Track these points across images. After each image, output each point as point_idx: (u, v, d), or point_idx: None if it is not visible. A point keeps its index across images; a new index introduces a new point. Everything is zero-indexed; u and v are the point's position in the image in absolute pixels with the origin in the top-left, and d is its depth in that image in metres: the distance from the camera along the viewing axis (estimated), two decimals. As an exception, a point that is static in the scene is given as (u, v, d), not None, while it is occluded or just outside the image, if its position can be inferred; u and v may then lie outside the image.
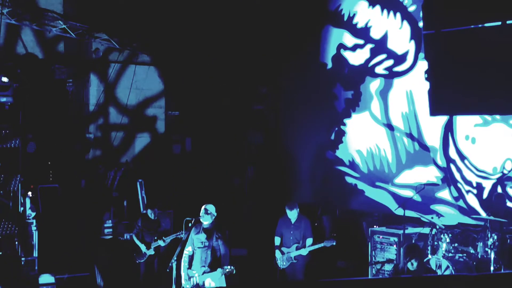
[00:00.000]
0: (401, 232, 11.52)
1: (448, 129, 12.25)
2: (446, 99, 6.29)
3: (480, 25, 6.10)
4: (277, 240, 11.44)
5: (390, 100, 13.32)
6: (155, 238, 11.69)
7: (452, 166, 12.28)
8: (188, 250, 9.84)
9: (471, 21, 6.00)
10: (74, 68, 15.60)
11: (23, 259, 12.06)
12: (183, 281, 9.80)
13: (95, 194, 14.66)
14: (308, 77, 14.79)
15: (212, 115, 15.85)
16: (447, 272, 10.36)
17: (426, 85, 9.73)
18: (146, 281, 11.86)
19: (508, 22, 5.89)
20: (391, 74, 13.23)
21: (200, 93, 15.83)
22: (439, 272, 10.39)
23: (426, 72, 6.27)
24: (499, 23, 5.89)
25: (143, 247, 11.74)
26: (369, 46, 13.63)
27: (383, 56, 13.35)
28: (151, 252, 11.71)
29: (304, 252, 11.18)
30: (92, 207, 14.28)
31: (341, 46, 14.18)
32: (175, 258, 9.69)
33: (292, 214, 11.32)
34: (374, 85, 13.59)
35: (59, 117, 15.13)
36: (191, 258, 9.83)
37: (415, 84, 12.57)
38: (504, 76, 6.04)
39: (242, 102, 15.72)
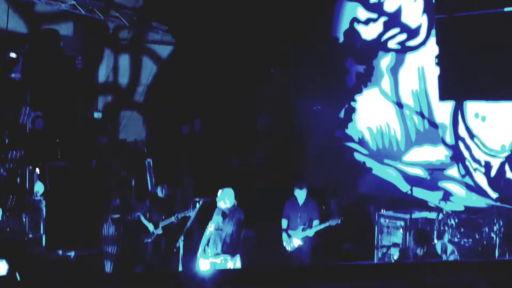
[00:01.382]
0: (407, 216, 11.55)
1: (458, 106, 12.26)
2: (456, 85, 6.27)
3: (493, 10, 6.07)
4: (284, 223, 11.46)
5: (401, 77, 13.34)
6: (163, 216, 11.71)
7: (461, 144, 12.33)
8: (210, 229, 9.91)
9: (484, 5, 5.96)
10: (84, 45, 15.59)
11: (30, 235, 12.13)
12: (198, 256, 9.89)
13: (104, 173, 14.71)
14: (320, 53, 14.72)
15: (222, 96, 15.84)
16: (452, 257, 10.39)
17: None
18: (153, 261, 11.91)
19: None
20: (403, 49, 13.23)
21: (210, 74, 15.80)
22: (444, 257, 10.42)
23: (436, 57, 6.24)
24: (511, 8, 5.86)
25: (150, 226, 11.78)
26: (383, 19, 13.62)
27: (397, 30, 13.34)
28: (159, 231, 11.74)
29: (310, 233, 11.20)
30: (101, 186, 14.33)
31: (355, 19, 14.16)
32: (182, 238, 9.76)
33: (301, 194, 11.32)
34: (385, 62, 13.61)
35: (68, 94, 15.14)
36: (211, 236, 9.91)
37: (427, 61, 12.56)
38: (514, 63, 6.01)
39: (253, 82, 15.69)
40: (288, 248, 11.34)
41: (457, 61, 6.18)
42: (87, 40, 15.60)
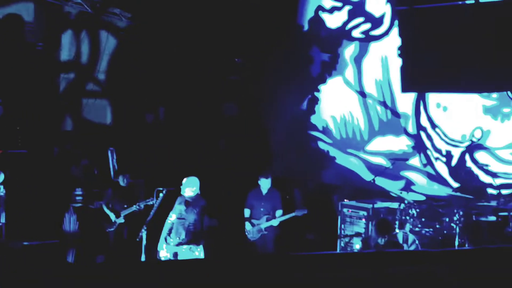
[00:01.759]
0: (370, 206, 11.64)
1: (420, 97, 12.44)
2: (418, 77, 6.32)
3: (453, 3, 6.13)
4: (247, 212, 11.48)
5: (365, 67, 13.43)
6: (125, 206, 11.64)
7: (423, 134, 12.49)
8: (172, 218, 9.86)
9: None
10: (45, 30, 15.35)
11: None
12: (159, 245, 9.84)
13: (66, 162, 14.55)
14: (284, 41, 14.71)
15: (187, 85, 15.74)
16: (413, 246, 10.52)
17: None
18: (116, 250, 11.84)
19: (480, 0, 5.91)
20: (367, 38, 13.31)
21: (175, 63, 15.69)
22: (405, 246, 10.54)
23: (398, 48, 6.29)
24: (473, 1, 5.92)
25: (112, 216, 11.70)
26: (347, 8, 13.67)
27: (361, 19, 13.41)
28: (121, 220, 11.67)
29: (275, 222, 11.23)
30: (63, 174, 14.18)
31: (320, 8, 14.20)
32: (146, 227, 9.71)
33: (266, 183, 11.33)
34: (349, 51, 13.69)
35: (29, 81, 14.91)
36: (172, 225, 9.85)
37: (390, 51, 12.67)
38: (475, 55, 6.08)
39: (217, 72, 15.62)
40: (252, 237, 11.36)
41: (418, 53, 6.23)
42: (48, 26, 15.35)
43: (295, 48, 14.59)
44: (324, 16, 14.13)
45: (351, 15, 13.62)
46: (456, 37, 6.03)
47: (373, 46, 13.28)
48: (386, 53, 12.96)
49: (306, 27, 14.50)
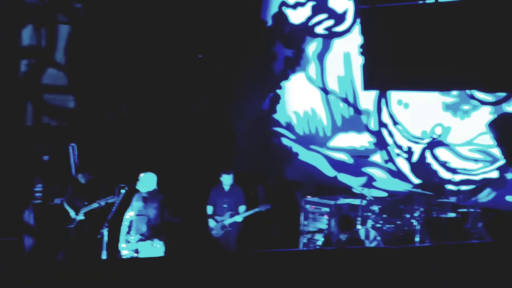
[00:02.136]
0: (333, 202, 11.71)
1: (382, 94, 12.58)
2: (379, 75, 6.37)
3: (414, 2, 6.19)
4: (210, 209, 11.47)
5: (327, 63, 13.49)
6: (86, 203, 11.55)
7: (384, 130, 12.60)
8: (129, 215, 9.81)
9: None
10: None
11: None
12: (119, 244, 9.78)
13: (25, 158, 14.35)
14: (248, 38, 14.69)
15: (149, 81, 15.63)
16: (375, 243, 10.61)
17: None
18: (76, 247, 11.73)
19: (440, 0, 5.98)
20: (330, 35, 13.37)
21: (138, 59, 15.56)
22: (367, 243, 10.62)
23: (360, 46, 6.32)
24: (433, 0, 5.98)
25: (72, 213, 11.59)
26: (311, 3, 13.71)
27: (324, 15, 13.46)
28: (80, 217, 11.57)
29: (239, 218, 11.24)
30: (22, 170, 13.98)
31: (283, 3, 14.22)
32: (107, 224, 9.64)
33: (228, 179, 11.33)
34: (312, 48, 13.74)
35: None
36: (131, 222, 9.80)
37: (353, 47, 12.75)
38: (437, 54, 6.14)
39: (182, 68, 15.53)
40: (215, 234, 11.35)
41: (380, 51, 6.27)
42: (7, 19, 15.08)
43: (259, 44, 14.59)
44: (288, 11, 14.16)
45: (315, 11, 13.68)
46: (417, 36, 6.09)
47: (336, 42, 13.35)
48: (348, 50, 13.05)
49: (270, 22, 14.50)
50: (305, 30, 13.81)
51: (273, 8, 14.43)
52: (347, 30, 13.11)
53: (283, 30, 14.26)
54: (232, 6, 14.62)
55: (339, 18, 13.21)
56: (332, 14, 13.34)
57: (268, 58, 14.43)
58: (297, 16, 14.00)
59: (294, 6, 14.04)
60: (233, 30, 14.72)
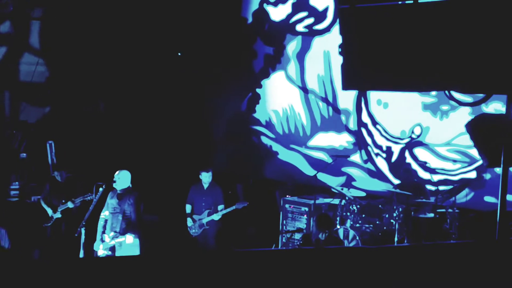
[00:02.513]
0: (312, 202, 11.72)
1: (362, 93, 12.60)
2: (359, 74, 6.36)
3: (393, 3, 6.19)
4: (188, 208, 11.44)
5: (307, 63, 13.50)
6: (63, 201, 11.46)
7: (364, 130, 12.64)
8: (104, 214, 9.79)
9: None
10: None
11: None
12: (95, 244, 9.72)
13: (2, 155, 14.23)
14: (228, 35, 14.64)
15: (128, 78, 15.54)
16: (354, 242, 10.63)
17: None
18: (53, 246, 11.64)
19: (419, 1, 5.99)
20: (311, 32, 13.38)
21: (116, 57, 15.46)
22: (346, 242, 10.64)
23: (340, 46, 6.32)
24: (411, 1, 5.99)
25: (49, 211, 11.50)
26: (291, 1, 13.70)
27: (304, 13, 13.46)
28: (58, 215, 11.47)
29: (216, 217, 11.21)
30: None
31: (264, 0, 14.19)
32: (84, 223, 9.59)
33: (207, 177, 11.30)
34: (291, 47, 13.73)
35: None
36: (106, 221, 9.77)
37: (333, 46, 12.75)
38: (416, 54, 6.16)
39: (158, 66, 15.45)
40: (193, 233, 11.32)
41: (360, 51, 6.27)
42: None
43: (239, 41, 14.55)
44: (269, 8, 14.13)
45: (295, 8, 13.67)
46: (396, 36, 6.10)
47: (316, 41, 13.36)
48: (328, 48, 13.07)
49: (250, 19, 14.46)
50: (286, 28, 13.80)
51: (254, 5, 14.40)
52: (328, 28, 13.11)
53: (263, 27, 14.24)
54: (212, 4, 14.57)
55: (319, 15, 13.22)
56: (312, 11, 13.34)
57: (249, 56, 14.40)
58: (278, 13, 13.98)
59: (275, 3, 14.03)
60: (213, 28, 14.67)
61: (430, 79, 6.17)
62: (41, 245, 11.78)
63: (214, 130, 15.16)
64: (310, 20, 13.40)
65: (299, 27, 13.60)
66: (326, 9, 13.10)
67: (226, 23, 14.56)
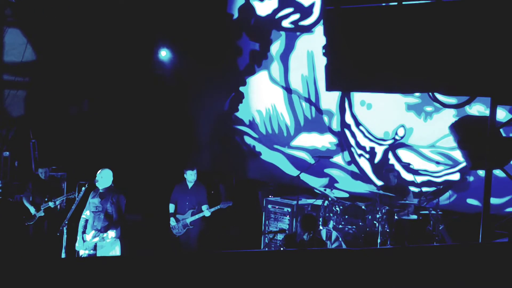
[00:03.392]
0: (294, 203, 11.71)
1: (345, 94, 12.61)
2: (343, 76, 6.36)
3: (378, 4, 6.20)
4: (172, 207, 11.39)
5: (291, 63, 13.49)
6: (45, 199, 11.41)
7: (347, 131, 12.66)
8: (85, 214, 9.75)
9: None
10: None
11: None
12: (77, 244, 9.67)
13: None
14: (212, 33, 14.57)
15: (112, 77, 15.47)
16: (336, 243, 10.62)
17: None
18: (35, 244, 11.57)
19: (403, 3, 6.00)
20: (296, 28, 13.37)
21: (99, 55, 15.39)
22: (329, 243, 10.63)
23: (323, 47, 6.32)
24: (395, 3, 6.00)
25: (32, 209, 11.45)
26: None
27: (290, 9, 13.45)
28: (40, 214, 11.43)
29: (207, 213, 11.13)
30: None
31: None
32: (67, 222, 9.54)
33: (192, 175, 11.25)
34: (275, 48, 13.72)
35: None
36: (87, 221, 9.72)
37: (317, 46, 12.75)
38: (400, 56, 6.17)
39: (142, 65, 15.39)
40: (177, 232, 11.28)
41: (344, 53, 6.27)
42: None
43: (224, 38, 14.48)
44: (255, 3, 14.11)
45: (281, 4, 13.65)
46: (380, 37, 6.11)
47: (300, 41, 13.36)
48: (312, 48, 13.08)
49: (236, 15, 14.42)
50: (272, 23, 13.77)
51: (240, 0, 14.37)
52: (314, 24, 13.08)
53: (249, 23, 14.20)
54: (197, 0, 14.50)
55: (305, 11, 13.20)
56: (298, 7, 13.33)
57: (233, 54, 14.35)
58: (264, 9, 13.96)
59: None
60: (198, 24, 14.58)
61: (414, 80, 6.19)
62: (23, 244, 11.70)
63: (197, 129, 15.12)
64: (296, 16, 13.40)
65: (285, 23, 13.59)
66: (312, 5, 13.09)
67: (211, 19, 14.50)
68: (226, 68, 14.49)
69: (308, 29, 13.20)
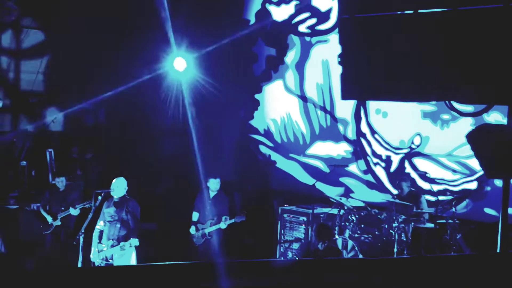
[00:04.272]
0: (310, 212, 11.67)
1: (361, 103, 12.55)
2: (358, 84, 6.35)
3: (393, 13, 6.19)
4: (195, 216, 11.27)
5: (307, 72, 13.47)
6: (62, 208, 11.45)
7: (363, 140, 12.60)
8: (100, 225, 9.78)
9: (385, 7, 6.08)
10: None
11: None
12: (92, 255, 9.69)
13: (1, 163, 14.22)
14: (228, 39, 14.52)
15: (128, 87, 15.51)
16: (353, 253, 10.57)
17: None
18: (52, 253, 11.62)
19: (419, 11, 5.98)
20: (313, 33, 13.35)
21: (114, 64, 15.44)
22: (344, 253, 10.58)
23: (339, 56, 6.32)
24: (411, 11, 5.99)
25: (49, 218, 11.49)
26: (294, 2, 13.67)
27: (307, 14, 13.44)
28: (57, 223, 11.47)
29: (223, 225, 11.07)
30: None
31: (267, 0, 14.16)
32: (83, 231, 9.57)
33: (215, 184, 11.17)
34: (290, 57, 13.70)
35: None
36: (101, 232, 9.75)
37: (332, 55, 12.71)
38: (416, 64, 6.15)
39: (158, 75, 15.41)
40: (197, 242, 11.23)
41: (359, 61, 6.26)
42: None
43: (241, 45, 14.44)
44: (271, 8, 14.09)
45: (298, 9, 13.61)
46: (396, 46, 6.09)
47: (315, 50, 13.33)
48: (327, 57, 13.05)
49: (252, 20, 14.40)
50: (288, 28, 13.73)
51: (256, 6, 14.36)
52: (330, 30, 13.02)
53: (266, 28, 14.17)
54: (213, 6, 14.48)
55: (322, 16, 13.15)
56: (315, 12, 13.29)
57: (249, 60, 14.32)
58: (280, 14, 13.93)
59: (278, 3, 13.98)
60: (215, 30, 14.54)
61: (431, 89, 6.16)
62: (40, 253, 11.76)
63: (213, 138, 15.10)
64: (313, 21, 13.36)
65: (302, 28, 13.55)
66: (329, 11, 13.03)
67: (227, 26, 14.46)
68: (241, 74, 14.46)
69: (325, 33, 13.11)
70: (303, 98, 13.56)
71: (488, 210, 11.02)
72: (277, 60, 13.99)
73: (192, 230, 11.23)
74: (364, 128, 12.61)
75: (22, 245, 12.11)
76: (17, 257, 11.77)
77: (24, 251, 11.95)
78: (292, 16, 13.73)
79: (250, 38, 14.36)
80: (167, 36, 14.41)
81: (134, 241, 9.58)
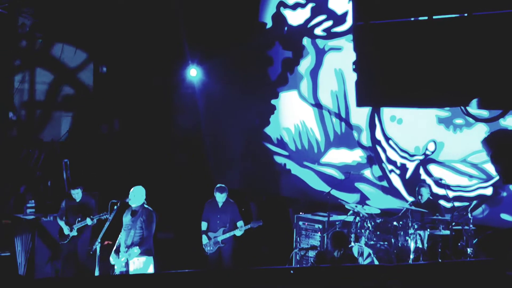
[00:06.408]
0: (325, 219, 11.66)
1: (375, 109, 12.52)
2: (373, 91, 6.35)
3: (409, 19, 6.19)
4: (204, 225, 11.41)
5: (321, 79, 13.45)
6: (79, 219, 11.49)
7: (378, 147, 12.57)
8: (121, 234, 9.81)
9: (400, 14, 6.09)
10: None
11: None
12: (111, 259, 9.76)
13: (17, 173, 14.30)
14: (243, 43, 14.54)
15: (141, 96, 15.59)
16: (369, 260, 10.55)
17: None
18: (68, 263, 11.66)
19: (434, 17, 5.98)
20: (329, 35, 13.32)
21: (129, 74, 15.54)
22: (360, 260, 10.56)
23: (354, 63, 6.33)
24: (426, 17, 5.99)
25: (66, 229, 11.54)
26: (310, 5, 13.67)
27: (323, 17, 13.42)
28: (74, 233, 11.51)
29: (239, 232, 11.16)
30: (14, 186, 13.93)
31: (281, 4, 14.16)
32: (99, 240, 9.62)
33: (221, 198, 11.32)
34: (304, 64, 13.69)
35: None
36: (120, 242, 9.80)
37: (346, 62, 12.69)
38: (431, 70, 6.14)
39: (172, 84, 15.49)
40: (209, 250, 11.28)
41: (374, 68, 6.27)
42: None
43: (256, 48, 14.43)
44: (286, 12, 14.08)
45: (314, 13, 13.59)
46: (411, 52, 6.09)
47: (328, 57, 13.32)
48: (341, 65, 13.02)
49: (269, 24, 14.38)
50: (304, 32, 13.69)
51: (271, 9, 14.35)
52: (346, 32, 12.98)
53: (282, 31, 14.16)
54: (229, 10, 14.49)
55: (338, 19, 13.12)
56: (331, 15, 13.27)
57: (265, 64, 14.29)
58: (296, 18, 13.90)
59: (294, 7, 13.97)
60: (230, 34, 14.55)
61: (446, 95, 6.15)
62: (57, 263, 11.82)
63: (227, 146, 15.13)
64: (329, 23, 13.32)
65: (318, 31, 13.51)
66: (345, 14, 12.99)
67: (243, 29, 14.45)
68: (257, 79, 14.45)
69: (341, 36, 13.06)
70: (318, 105, 13.54)
71: (504, 216, 10.96)
72: (293, 61, 13.95)
73: (204, 239, 11.29)
74: (378, 135, 12.59)
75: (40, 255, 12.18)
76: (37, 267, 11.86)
77: (42, 261, 12.03)
78: (308, 20, 13.69)
79: (266, 42, 14.32)
80: (182, 43, 14.50)
81: (134, 251, 9.58)
